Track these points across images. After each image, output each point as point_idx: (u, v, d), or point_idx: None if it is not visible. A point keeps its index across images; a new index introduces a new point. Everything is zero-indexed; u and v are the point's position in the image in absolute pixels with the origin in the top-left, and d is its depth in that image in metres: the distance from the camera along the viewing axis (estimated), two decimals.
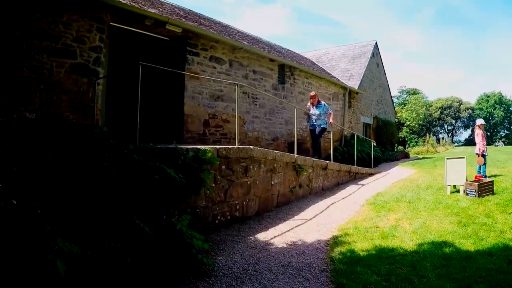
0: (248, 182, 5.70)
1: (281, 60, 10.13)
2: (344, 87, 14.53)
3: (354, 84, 16.14)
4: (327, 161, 8.37)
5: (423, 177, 9.51)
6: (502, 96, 50.50)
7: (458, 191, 6.95)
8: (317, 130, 9.10)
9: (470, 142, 47.83)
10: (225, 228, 5.11)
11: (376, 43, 19.91)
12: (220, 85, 8.53)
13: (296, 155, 6.95)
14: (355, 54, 19.98)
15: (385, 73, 21.47)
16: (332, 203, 6.75)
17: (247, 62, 9.32)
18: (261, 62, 9.79)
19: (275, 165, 6.35)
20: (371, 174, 11.34)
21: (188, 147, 4.80)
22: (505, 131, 49.91)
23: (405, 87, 50.50)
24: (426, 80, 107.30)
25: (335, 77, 15.28)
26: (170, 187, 4.02)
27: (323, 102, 9.15)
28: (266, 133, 9.91)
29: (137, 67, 4.85)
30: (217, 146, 5.23)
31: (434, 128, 50.67)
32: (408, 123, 39.62)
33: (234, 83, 6.07)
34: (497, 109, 48.80)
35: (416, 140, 37.11)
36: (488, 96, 51.32)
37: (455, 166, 6.90)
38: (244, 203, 5.61)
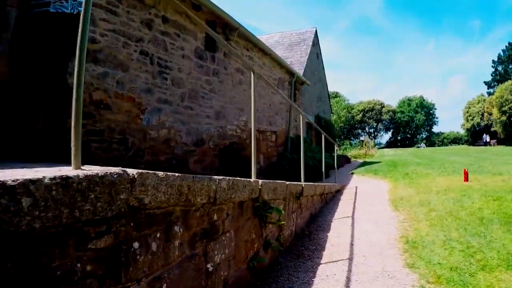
0: None
1: (212, 9, 6.00)
2: (291, 73, 11.04)
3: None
4: (302, 183, 4.54)
5: (426, 195, 6.30)
6: (424, 100, 53.78)
7: None
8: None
9: (391, 144, 49.80)
10: None
11: (316, 31, 17.14)
12: (94, 26, 4.14)
13: (260, 181, 2.94)
14: (292, 42, 16.94)
15: (323, 67, 18.90)
16: None
17: None
18: (178, 6, 5.55)
19: (215, 216, 2.25)
20: (338, 191, 7.98)
21: None
22: (426, 133, 53.14)
23: None
24: (345, 85, 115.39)
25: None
26: None
27: None
28: (183, 132, 5.68)
29: None
30: None
31: (356, 131, 51.61)
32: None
33: None
34: (418, 112, 51.62)
35: (340, 142, 36.28)
36: (410, 100, 54.15)
37: None
38: None
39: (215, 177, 2.16)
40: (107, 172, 1.45)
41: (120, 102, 4.55)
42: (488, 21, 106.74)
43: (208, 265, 2.22)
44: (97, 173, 1.42)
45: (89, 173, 1.41)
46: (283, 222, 3.39)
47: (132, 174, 1.55)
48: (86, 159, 4.19)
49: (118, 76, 4.53)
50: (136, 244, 1.66)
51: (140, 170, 1.60)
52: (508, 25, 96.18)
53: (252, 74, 3.19)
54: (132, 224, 1.63)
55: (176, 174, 1.78)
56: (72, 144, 1.62)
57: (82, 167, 1.61)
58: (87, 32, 1.67)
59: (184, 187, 1.83)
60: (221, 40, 3.05)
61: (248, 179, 2.70)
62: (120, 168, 1.56)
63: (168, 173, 1.73)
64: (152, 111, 4.98)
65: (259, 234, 3.02)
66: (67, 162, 1.66)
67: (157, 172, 1.66)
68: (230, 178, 2.32)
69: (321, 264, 3.51)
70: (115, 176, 1.47)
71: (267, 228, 3.19)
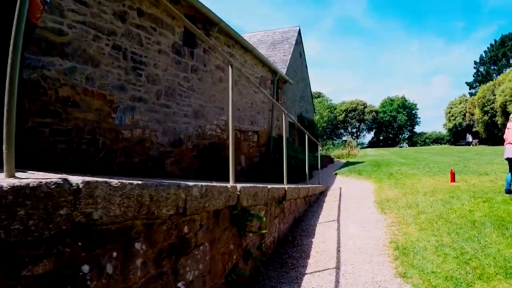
0: None
1: (192, 2, 5.70)
2: (274, 71, 10.82)
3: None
4: (285, 186, 4.31)
5: (413, 196, 6.10)
6: (406, 100, 54.57)
7: None
8: None
9: (374, 144, 50.32)
10: None
11: (299, 29, 17.02)
12: (62, 17, 3.80)
13: (238, 186, 2.67)
14: (275, 40, 16.75)
15: (306, 66, 18.80)
16: None
17: None
18: None
19: (186, 228, 1.98)
20: (322, 193, 7.81)
21: None
22: (408, 133, 53.94)
23: None
24: (328, 85, 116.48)
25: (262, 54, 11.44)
26: None
27: None
28: (159, 132, 5.36)
29: None
30: None
31: (338, 131, 51.98)
32: None
33: None
34: (400, 113, 52.33)
35: (323, 142, 36.41)
36: (392, 100, 54.85)
37: None
38: None
39: (185, 183, 1.89)
40: (41, 182, 1.16)
41: (89, 100, 4.21)
42: (471, 22, 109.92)
43: (179, 284, 1.95)
44: (28, 184, 1.13)
45: (17, 183, 1.12)
46: (264, 231, 3.15)
47: (76, 184, 1.26)
48: (51, 162, 3.80)
49: (88, 71, 4.18)
50: (85, 268, 1.37)
51: (87, 179, 1.31)
52: (491, 26, 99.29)
53: (230, 68, 2.93)
54: (79, 243, 1.34)
55: (135, 182, 1.50)
56: (4, 146, 1.32)
57: (19, 175, 1.32)
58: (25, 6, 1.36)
59: (145, 198, 1.55)
60: (199, 32, 2.78)
61: (224, 185, 2.43)
62: (60, 176, 1.27)
63: (124, 181, 1.45)
64: (125, 109, 4.64)
65: (238, 244, 2.77)
66: (16, 167, 1.35)
67: (109, 181, 1.38)
68: (203, 184, 2.06)
69: (306, 274, 3.28)
70: (52, 186, 1.18)
71: (247, 237, 2.94)
